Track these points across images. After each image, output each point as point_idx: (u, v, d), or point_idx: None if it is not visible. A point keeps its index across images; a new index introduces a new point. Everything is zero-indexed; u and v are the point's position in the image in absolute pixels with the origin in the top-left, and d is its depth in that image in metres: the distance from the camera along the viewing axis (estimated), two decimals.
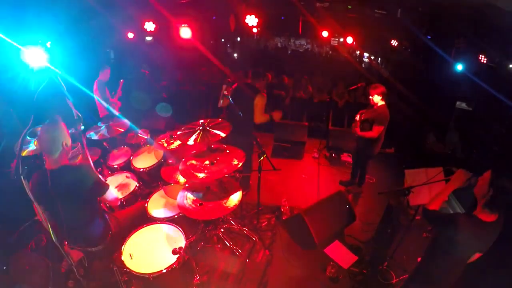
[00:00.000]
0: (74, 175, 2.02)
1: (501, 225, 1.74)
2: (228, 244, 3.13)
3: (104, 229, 2.32)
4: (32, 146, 2.97)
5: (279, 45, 12.62)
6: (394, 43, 7.42)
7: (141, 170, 3.43)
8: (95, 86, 4.79)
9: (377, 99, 3.75)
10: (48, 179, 1.94)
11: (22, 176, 1.79)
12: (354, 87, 5.40)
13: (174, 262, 2.17)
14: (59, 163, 1.99)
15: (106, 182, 2.87)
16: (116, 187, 3.15)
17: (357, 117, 3.95)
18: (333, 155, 5.41)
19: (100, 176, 2.21)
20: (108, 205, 2.88)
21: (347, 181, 4.56)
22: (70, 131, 2.15)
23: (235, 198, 2.69)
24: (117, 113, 4.74)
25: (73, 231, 2.16)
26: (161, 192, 3.14)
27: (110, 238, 2.33)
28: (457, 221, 1.69)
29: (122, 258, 2.20)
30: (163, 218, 2.74)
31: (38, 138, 1.97)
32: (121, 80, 4.99)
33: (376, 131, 3.72)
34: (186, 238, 2.37)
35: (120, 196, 3.02)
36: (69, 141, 2.04)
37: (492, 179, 1.66)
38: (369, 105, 3.90)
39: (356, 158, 4.42)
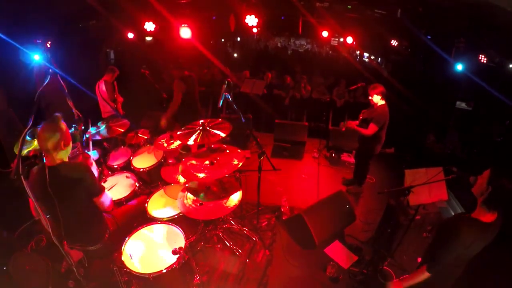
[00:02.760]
0: (72, 172, 2.02)
1: (499, 224, 1.74)
2: (228, 244, 3.13)
3: (102, 228, 2.32)
4: (32, 146, 2.97)
5: (279, 45, 12.63)
6: (394, 43, 7.41)
7: (141, 170, 3.43)
8: (101, 87, 4.78)
9: (377, 99, 3.77)
10: (46, 176, 1.95)
11: (22, 176, 1.79)
12: (354, 87, 5.41)
13: (174, 262, 2.16)
14: (57, 160, 2.00)
15: (105, 182, 2.88)
16: (115, 187, 3.15)
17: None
18: (333, 155, 5.41)
19: (96, 178, 2.20)
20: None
21: (350, 180, 4.57)
22: (70, 131, 2.15)
23: (235, 198, 2.69)
24: (122, 114, 4.76)
25: (70, 230, 2.16)
26: (161, 192, 3.14)
27: (108, 236, 2.33)
28: (462, 239, 1.68)
29: (122, 258, 2.20)
30: (163, 218, 2.74)
31: (37, 136, 1.96)
32: (114, 82, 4.99)
33: (371, 129, 3.74)
34: (186, 238, 2.37)
35: (117, 197, 3.00)
36: (68, 142, 2.03)
37: (491, 177, 1.65)
38: (370, 105, 3.92)
39: (357, 157, 4.43)
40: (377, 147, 3.96)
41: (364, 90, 6.47)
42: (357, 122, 4.01)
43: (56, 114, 2.03)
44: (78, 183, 2.02)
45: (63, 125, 2.02)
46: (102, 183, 2.85)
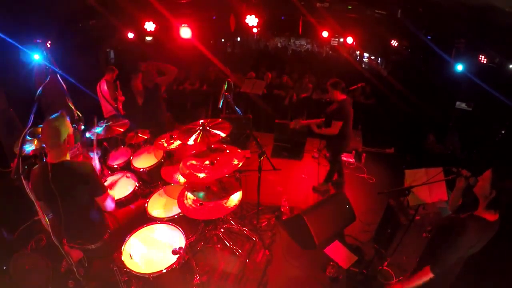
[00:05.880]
0: (75, 171, 2.02)
1: (499, 222, 1.74)
2: (228, 244, 3.13)
3: (103, 226, 2.32)
4: (32, 146, 2.98)
5: (279, 45, 12.63)
6: (394, 43, 7.42)
7: (141, 170, 3.43)
8: (103, 86, 4.78)
9: (337, 94, 3.74)
10: (49, 172, 1.95)
11: (22, 176, 1.79)
12: (353, 87, 5.39)
13: (174, 262, 2.17)
14: (60, 157, 2.00)
15: (104, 182, 2.87)
16: (115, 188, 3.15)
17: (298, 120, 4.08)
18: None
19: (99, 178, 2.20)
20: None
21: (321, 184, 4.49)
22: None
23: (235, 198, 2.69)
24: (122, 113, 4.76)
25: (71, 227, 2.16)
26: (161, 192, 3.14)
27: (109, 235, 2.33)
28: (468, 239, 1.68)
29: (122, 258, 2.20)
30: (163, 218, 2.74)
31: (42, 130, 1.97)
32: (117, 81, 5.00)
33: (335, 126, 3.70)
34: (186, 238, 2.37)
35: (117, 197, 3.00)
36: (71, 139, 2.04)
37: (494, 180, 1.65)
38: (332, 101, 3.90)
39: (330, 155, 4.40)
40: (343, 142, 3.92)
41: (363, 90, 6.48)
42: (319, 120, 3.99)
43: (61, 111, 2.03)
44: (80, 181, 2.02)
45: (68, 122, 2.03)
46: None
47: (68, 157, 2.06)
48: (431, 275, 1.77)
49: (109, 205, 2.25)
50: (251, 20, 5.66)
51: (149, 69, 4.19)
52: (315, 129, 3.91)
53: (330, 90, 3.77)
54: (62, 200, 2.02)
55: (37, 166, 2.09)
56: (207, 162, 2.72)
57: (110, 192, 2.26)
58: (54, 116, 1.99)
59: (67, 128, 2.00)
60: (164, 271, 2.12)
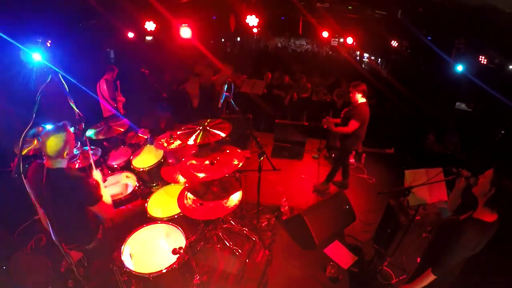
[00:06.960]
0: (68, 181, 2.03)
1: (498, 223, 1.75)
2: (228, 244, 3.13)
3: (95, 228, 2.32)
4: (32, 145, 2.98)
5: (279, 45, 12.63)
6: (394, 43, 7.42)
7: (141, 170, 3.43)
8: (102, 86, 4.78)
9: (358, 97, 3.81)
10: (43, 177, 1.95)
11: (22, 175, 1.79)
12: None
13: (174, 262, 2.16)
14: (58, 165, 2.00)
15: (105, 182, 2.86)
16: (115, 187, 3.15)
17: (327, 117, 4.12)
18: (333, 155, 5.41)
19: (95, 187, 2.15)
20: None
21: (322, 183, 4.51)
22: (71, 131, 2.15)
23: (235, 198, 2.69)
24: (122, 113, 4.76)
25: (63, 231, 2.16)
26: (161, 192, 3.14)
27: (102, 234, 2.34)
28: (469, 243, 1.70)
29: (122, 258, 2.20)
30: (163, 218, 2.74)
31: (41, 142, 1.96)
32: (117, 81, 5.01)
33: (351, 126, 3.76)
34: (186, 238, 2.37)
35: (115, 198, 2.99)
36: (71, 150, 2.04)
37: (494, 178, 1.65)
38: (351, 103, 3.96)
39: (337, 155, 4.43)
40: (355, 142, 3.97)
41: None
42: (338, 120, 4.05)
43: (64, 122, 2.04)
44: (71, 191, 2.03)
45: (69, 133, 2.02)
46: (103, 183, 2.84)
47: (65, 165, 2.06)
48: (433, 277, 1.80)
49: (106, 213, 2.25)
50: (251, 20, 5.65)
51: (207, 70, 4.17)
52: (332, 127, 3.96)
53: (351, 91, 3.84)
54: (53, 206, 2.02)
55: (33, 164, 2.08)
56: (207, 162, 2.72)
57: (105, 198, 2.25)
58: (54, 128, 1.99)
59: (68, 141, 2.00)
60: (164, 271, 2.12)
